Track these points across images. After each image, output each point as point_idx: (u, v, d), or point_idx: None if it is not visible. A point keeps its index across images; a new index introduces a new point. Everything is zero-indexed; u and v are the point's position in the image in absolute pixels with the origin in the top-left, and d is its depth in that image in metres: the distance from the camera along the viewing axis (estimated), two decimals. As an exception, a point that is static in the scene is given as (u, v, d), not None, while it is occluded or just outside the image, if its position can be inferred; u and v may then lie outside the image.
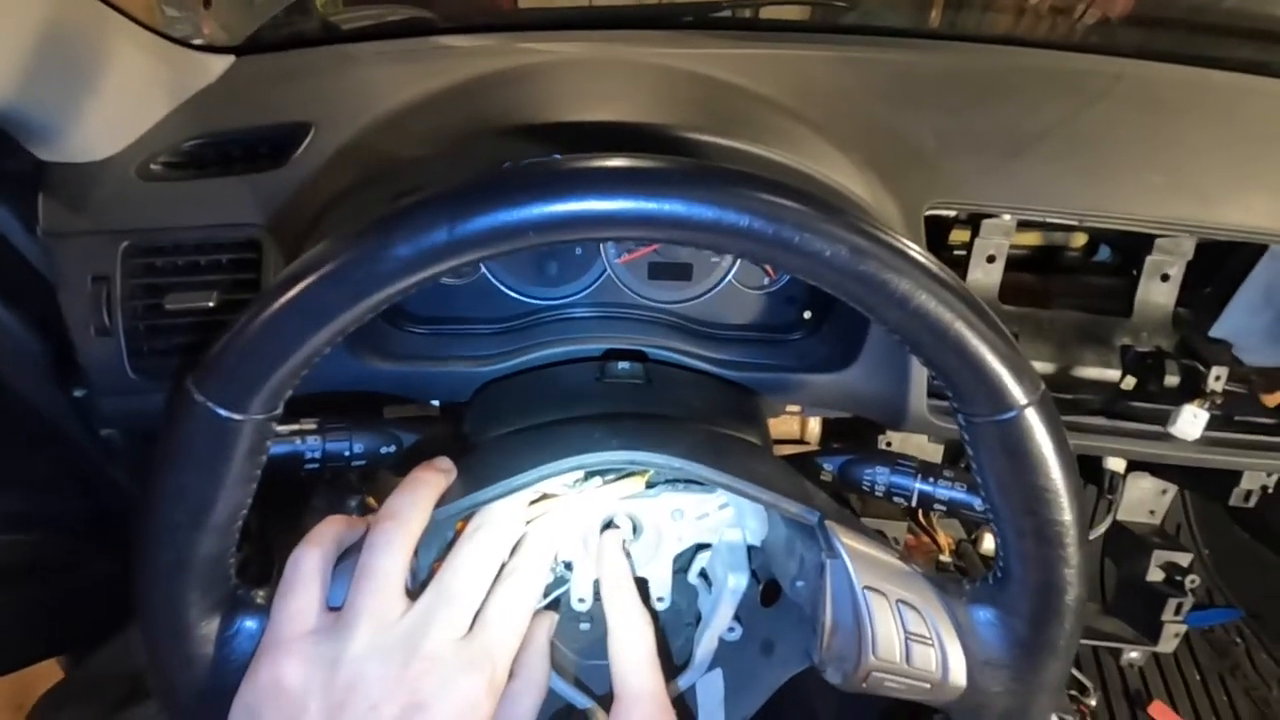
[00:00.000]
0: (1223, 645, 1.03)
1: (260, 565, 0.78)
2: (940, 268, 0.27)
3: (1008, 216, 0.54)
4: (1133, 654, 0.69)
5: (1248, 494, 0.60)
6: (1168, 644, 0.65)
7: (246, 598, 0.33)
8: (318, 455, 0.46)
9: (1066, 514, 0.29)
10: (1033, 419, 0.28)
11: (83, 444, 0.69)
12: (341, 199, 0.48)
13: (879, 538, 0.36)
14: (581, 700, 0.43)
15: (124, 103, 0.51)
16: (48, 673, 0.79)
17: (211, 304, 0.48)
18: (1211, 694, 1.00)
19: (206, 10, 0.70)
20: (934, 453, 0.63)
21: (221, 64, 0.58)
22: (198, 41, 0.58)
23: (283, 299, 0.26)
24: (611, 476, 0.40)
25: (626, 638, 0.37)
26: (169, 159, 0.51)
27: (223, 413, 0.27)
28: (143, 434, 0.70)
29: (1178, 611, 0.65)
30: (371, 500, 0.60)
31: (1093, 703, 0.90)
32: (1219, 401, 0.56)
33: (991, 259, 0.58)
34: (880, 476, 0.47)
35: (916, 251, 0.27)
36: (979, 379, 0.28)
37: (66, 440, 0.68)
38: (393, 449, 0.48)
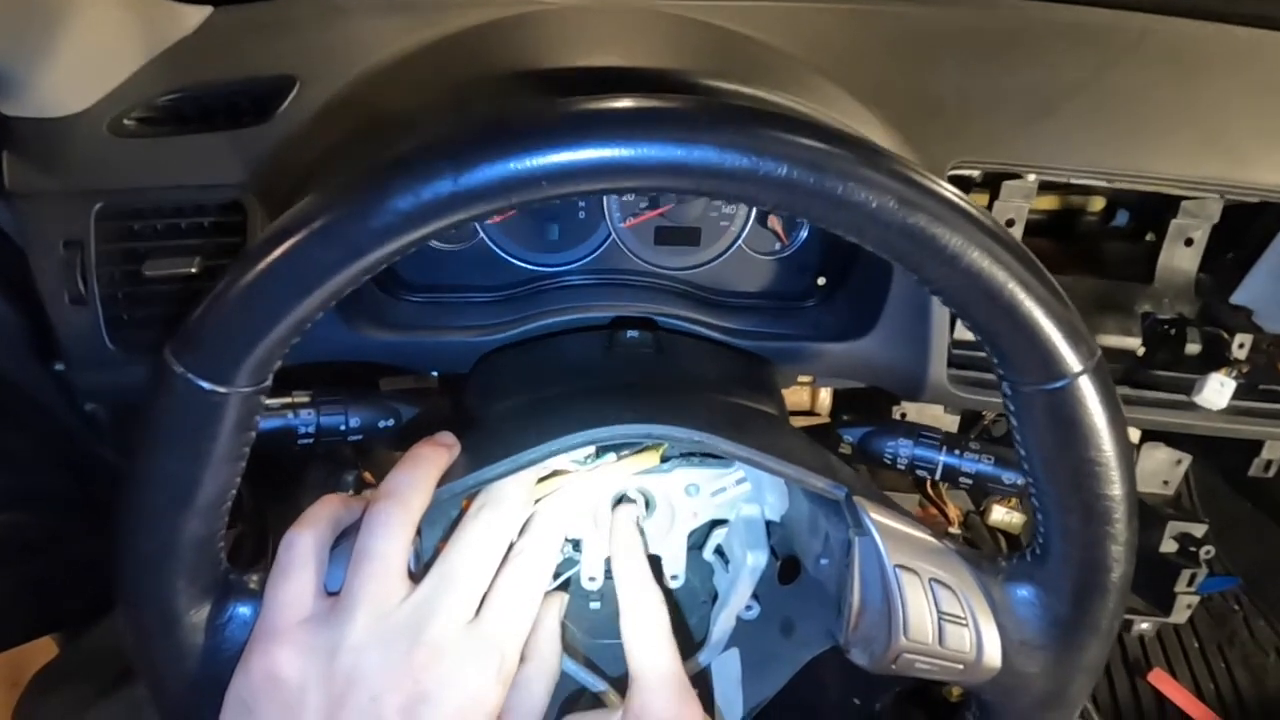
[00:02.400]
0: (1221, 614, 1.03)
1: (255, 545, 0.76)
2: (995, 223, 0.25)
3: (1031, 177, 0.52)
4: (1144, 625, 0.68)
5: (1268, 464, 0.59)
6: (1180, 615, 0.65)
7: (239, 582, 0.30)
8: (311, 430, 0.44)
9: (1118, 488, 0.28)
10: (1086, 388, 0.26)
11: (67, 419, 0.66)
12: (330, 156, 0.44)
13: (909, 514, 0.34)
14: (593, 682, 0.41)
15: (94, 53, 0.47)
16: (43, 649, 0.78)
17: (194, 270, 0.45)
18: (1210, 661, 1.01)
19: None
20: (950, 424, 0.61)
21: (198, 14, 0.54)
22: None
23: (268, 259, 0.24)
24: (625, 451, 0.38)
25: (640, 617, 0.35)
26: (144, 114, 0.47)
27: (206, 385, 0.25)
28: (127, 407, 0.68)
29: (1190, 583, 0.64)
30: (368, 475, 0.58)
31: (1094, 671, 0.91)
32: (1244, 370, 0.54)
33: (1011, 223, 0.56)
34: (903, 449, 0.45)
35: (969, 204, 0.25)
36: (1032, 344, 0.26)
37: (50, 415, 0.65)
38: (391, 423, 0.46)
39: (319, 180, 0.43)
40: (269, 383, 0.27)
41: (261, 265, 0.24)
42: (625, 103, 0.23)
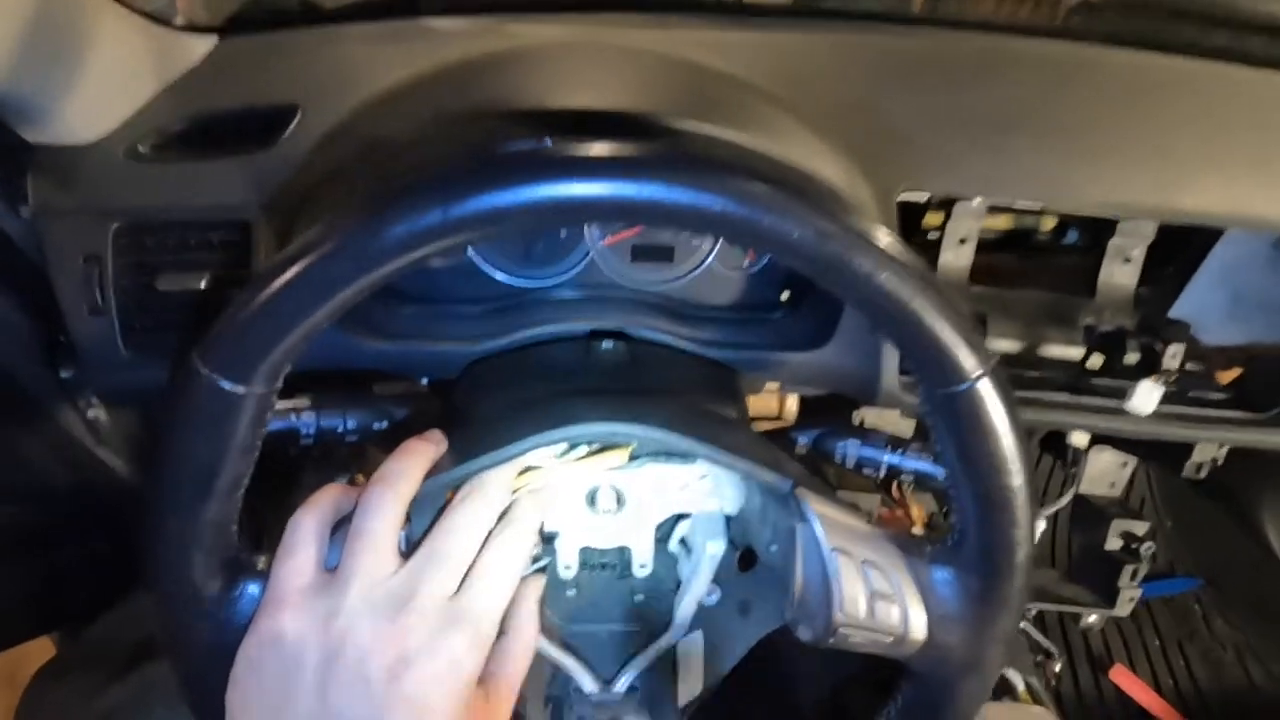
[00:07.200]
0: (1182, 612, 1.08)
1: (252, 543, 0.79)
2: (899, 249, 0.29)
3: (977, 201, 0.56)
4: (1091, 618, 0.73)
5: (1199, 466, 0.63)
6: (1124, 608, 0.69)
7: (249, 562, 0.34)
8: (312, 431, 0.48)
9: (1016, 479, 0.32)
10: (985, 390, 0.31)
11: (69, 422, 0.69)
12: (331, 181, 0.48)
13: (847, 504, 0.38)
14: (569, 663, 0.45)
15: (110, 85, 0.51)
16: (39, 649, 0.80)
17: (203, 284, 0.49)
18: (1170, 658, 1.05)
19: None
20: (906, 428, 0.65)
21: (205, 45, 0.58)
22: (179, 21, 0.58)
23: (283, 277, 0.28)
24: (596, 448, 0.42)
25: None
26: (157, 141, 0.51)
27: (227, 385, 0.29)
28: (132, 412, 0.71)
29: (1134, 577, 0.68)
30: (361, 478, 0.62)
31: (1058, 668, 0.95)
32: (1174, 378, 0.58)
33: (963, 241, 0.60)
34: (851, 449, 0.50)
35: (877, 234, 0.29)
36: (936, 353, 0.30)
37: (53, 418, 0.68)
38: (385, 424, 0.50)
39: (323, 205, 0.47)
40: (280, 384, 0.31)
41: (277, 282, 0.28)
42: (588, 150, 0.28)
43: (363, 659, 0.32)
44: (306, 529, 0.34)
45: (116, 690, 0.61)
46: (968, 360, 0.30)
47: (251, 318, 0.28)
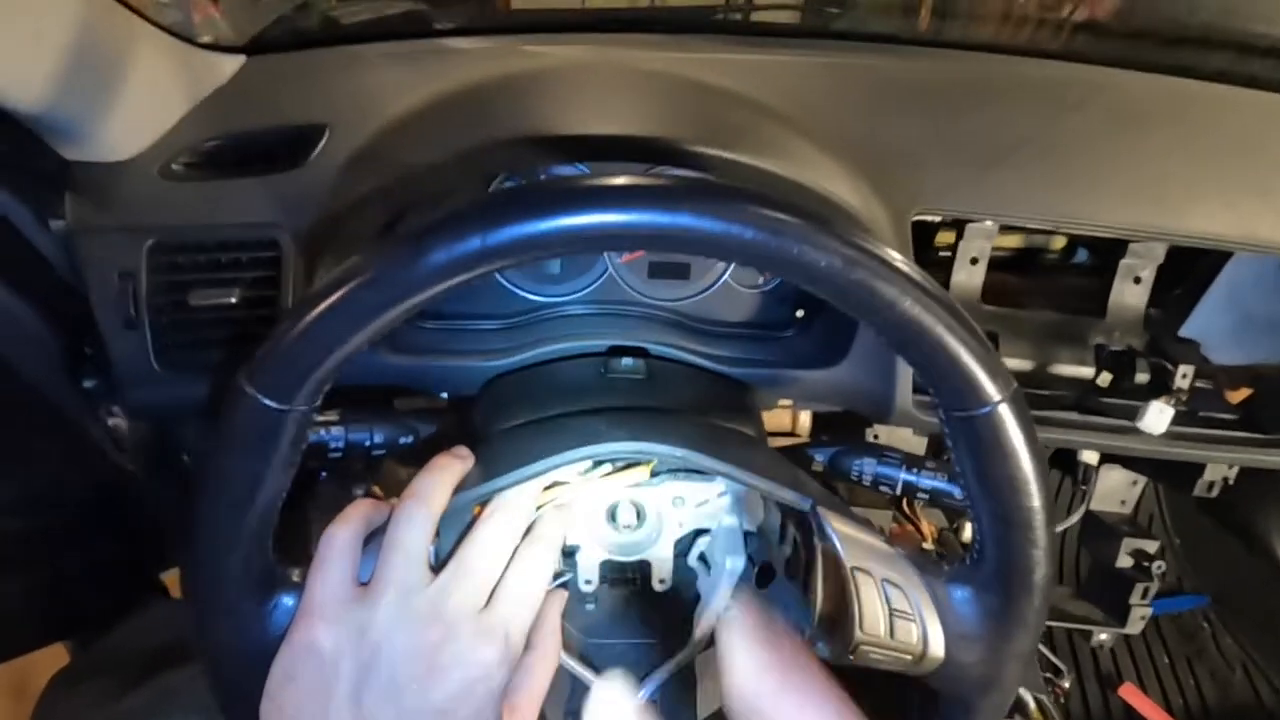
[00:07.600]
0: (1190, 630, 1.08)
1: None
2: (923, 276, 0.30)
3: (989, 222, 0.57)
4: (1102, 636, 0.73)
5: (1210, 485, 0.64)
6: (1135, 626, 0.69)
7: (285, 575, 0.35)
8: (340, 445, 0.49)
9: (1036, 500, 0.32)
10: (1006, 414, 0.31)
11: (87, 430, 0.70)
12: (359, 205, 0.49)
13: (865, 522, 0.39)
14: (587, 675, 0.45)
15: (145, 102, 0.52)
16: (47, 659, 0.81)
17: (233, 300, 0.50)
18: (1179, 676, 1.05)
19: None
20: (918, 446, 0.66)
21: (233, 64, 0.59)
22: (205, 39, 0.59)
23: (326, 303, 0.29)
24: (618, 465, 0.43)
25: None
26: (189, 159, 0.52)
27: (272, 405, 0.30)
28: (152, 421, 0.72)
29: (1144, 595, 0.69)
30: (377, 489, 0.63)
31: (1067, 685, 0.95)
32: (1184, 398, 0.59)
33: (975, 261, 0.61)
34: (868, 467, 0.50)
35: (902, 262, 0.30)
36: (959, 378, 0.31)
37: (73, 427, 0.69)
38: (410, 439, 0.50)
39: (354, 227, 0.48)
40: (320, 403, 0.32)
41: (320, 308, 0.29)
42: (620, 182, 0.29)
43: (396, 670, 0.32)
44: (340, 543, 0.35)
45: (132, 697, 0.61)
46: (989, 385, 0.31)
47: (296, 341, 0.29)
